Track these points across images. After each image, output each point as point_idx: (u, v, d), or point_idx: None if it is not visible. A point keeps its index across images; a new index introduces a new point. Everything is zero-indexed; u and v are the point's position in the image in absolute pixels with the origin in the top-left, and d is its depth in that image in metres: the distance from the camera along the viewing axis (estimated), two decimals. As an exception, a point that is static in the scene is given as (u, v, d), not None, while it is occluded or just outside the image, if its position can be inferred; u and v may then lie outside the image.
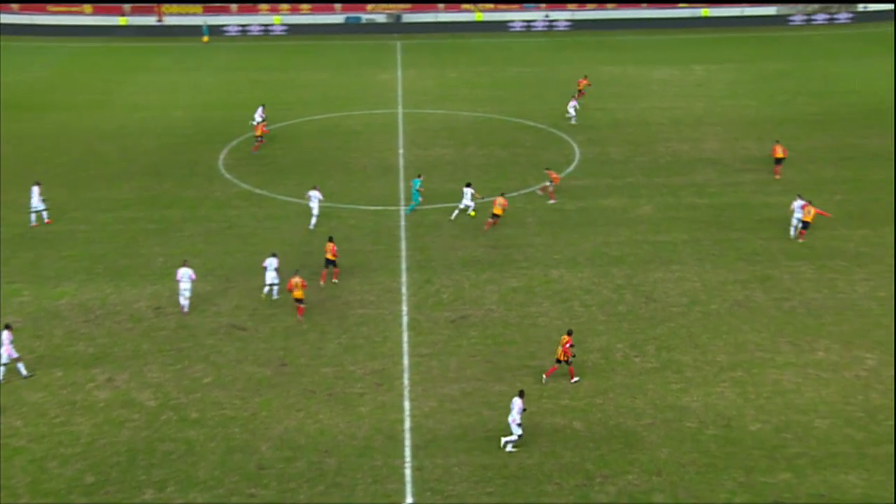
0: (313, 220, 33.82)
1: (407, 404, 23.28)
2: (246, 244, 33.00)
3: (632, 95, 54.44)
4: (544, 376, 24.04)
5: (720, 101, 52.27)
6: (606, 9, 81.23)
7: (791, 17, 79.62)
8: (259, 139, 43.46)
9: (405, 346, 25.98)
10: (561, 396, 23.56)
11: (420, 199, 35.44)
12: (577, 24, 79.98)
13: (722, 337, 26.07)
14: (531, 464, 21.09)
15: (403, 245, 32.77)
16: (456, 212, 34.83)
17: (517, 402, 21.28)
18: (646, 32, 78.06)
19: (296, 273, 27.87)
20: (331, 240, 29.71)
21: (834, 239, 32.27)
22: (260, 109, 46.67)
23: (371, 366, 24.97)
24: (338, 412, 22.97)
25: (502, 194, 34.68)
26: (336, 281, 29.50)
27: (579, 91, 49.90)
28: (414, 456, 21.36)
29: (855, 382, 23.50)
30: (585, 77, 51.78)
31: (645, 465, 20.90)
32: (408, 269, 30.99)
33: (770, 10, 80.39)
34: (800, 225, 32.17)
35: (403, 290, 29.43)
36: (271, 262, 28.40)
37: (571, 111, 47.60)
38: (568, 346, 23.56)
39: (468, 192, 34.74)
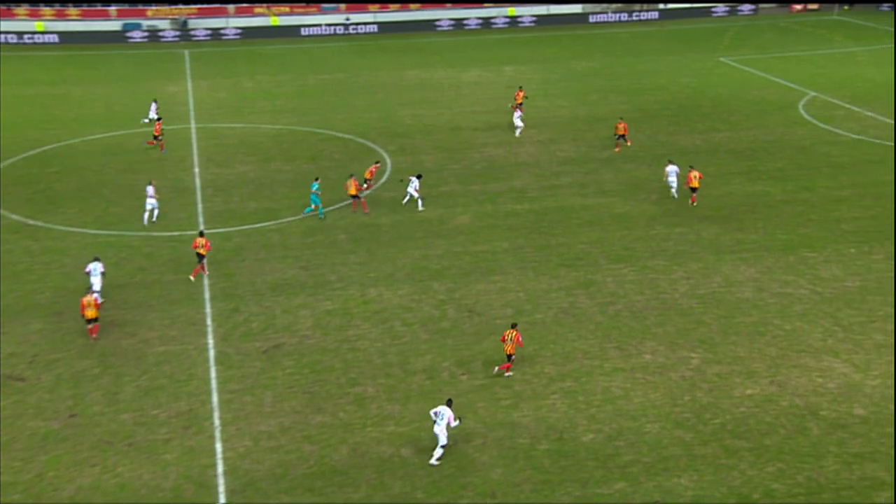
0: (146, 216, 35.74)
1: (219, 446, 22.48)
2: (19, 283, 30.79)
3: (442, 100, 55.81)
4: (506, 373, 25.21)
5: (533, 103, 54.62)
6: (410, 10, 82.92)
7: (593, 15, 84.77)
8: (157, 138, 44.85)
9: (213, 383, 25.12)
10: (386, 423, 23.58)
11: (320, 202, 36.51)
12: (380, 27, 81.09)
13: (549, 347, 27.11)
14: (358, 498, 20.93)
15: (206, 272, 31.70)
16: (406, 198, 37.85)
17: (446, 412, 21.81)
18: (452, 34, 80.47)
19: (88, 291, 28.00)
20: (201, 234, 31.54)
21: (652, 239, 34.50)
22: (154, 106, 49.21)
23: (176, 407, 23.94)
24: (140, 463, 21.82)
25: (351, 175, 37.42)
26: (205, 273, 31.43)
27: (518, 104, 49.94)
28: (230, 502, 20.68)
29: (681, 383, 25.17)
30: (521, 88, 52.00)
31: (479, 488, 21.29)
32: (212, 298, 30.01)
33: (575, 8, 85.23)
34: (675, 187, 37.84)
35: (208, 321, 28.48)
36: (95, 267, 29.24)
37: (518, 122, 47.26)
38: (520, 338, 25.06)
39: (414, 181, 37.48)
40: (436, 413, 22.19)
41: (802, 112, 51.67)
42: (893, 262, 31.98)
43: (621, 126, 45.15)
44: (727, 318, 28.47)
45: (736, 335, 27.54)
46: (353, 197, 37.03)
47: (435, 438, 22.23)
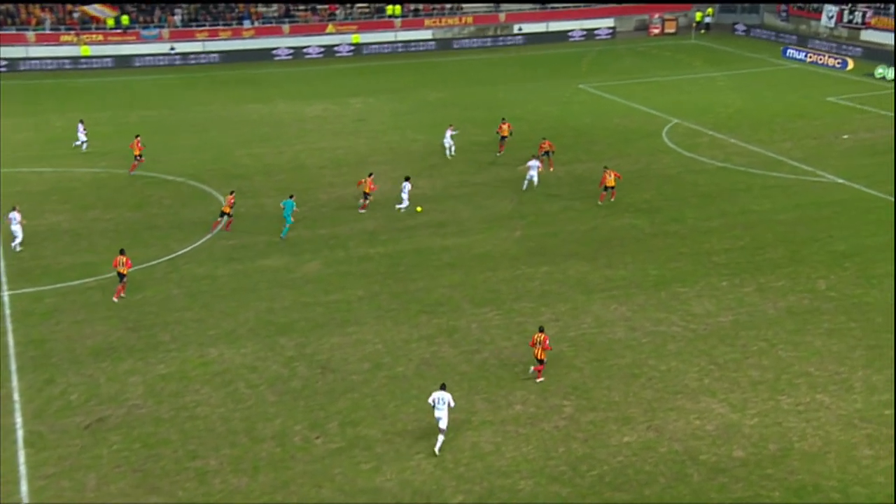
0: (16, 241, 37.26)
1: (31, 545, 21.23)
2: None
3: (284, 136, 55.60)
4: (536, 374, 27.98)
5: (384, 137, 55.19)
6: (243, 38, 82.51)
7: (447, 41, 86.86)
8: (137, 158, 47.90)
9: (22, 469, 23.78)
10: (233, 499, 22.92)
11: (291, 220, 39.18)
12: (211, 57, 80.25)
13: (411, 402, 27.15)
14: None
15: (11, 339, 30.16)
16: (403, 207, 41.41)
17: (445, 395, 24.63)
18: (292, 64, 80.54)
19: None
20: (122, 252, 33.45)
21: (517, 279, 35.29)
22: (80, 126, 51.59)
23: (-24, 503, 22.48)
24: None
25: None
26: (124, 296, 33.35)
27: (502, 137, 50.44)
28: None
29: (555, 434, 25.68)
30: (504, 120, 51.83)
31: (341, 567, 20.95)
32: (19, 368, 28.53)
33: (425, 34, 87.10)
34: (534, 181, 43.25)
35: (15, 396, 27.05)
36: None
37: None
38: (547, 342, 27.63)
39: (406, 186, 41.43)
40: (434, 400, 24.78)
41: (666, 140, 54.41)
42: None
43: (546, 144, 48.25)
44: (600, 361, 29.35)
45: (610, 379, 28.41)
46: (366, 196, 41.86)
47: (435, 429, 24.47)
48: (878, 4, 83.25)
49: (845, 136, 54.41)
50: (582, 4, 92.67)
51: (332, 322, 31.96)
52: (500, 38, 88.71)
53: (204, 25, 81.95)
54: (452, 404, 25.02)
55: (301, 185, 46.15)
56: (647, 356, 29.61)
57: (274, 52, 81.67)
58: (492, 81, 72.14)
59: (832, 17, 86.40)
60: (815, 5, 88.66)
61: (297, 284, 34.91)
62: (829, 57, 77.14)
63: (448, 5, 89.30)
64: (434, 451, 24.64)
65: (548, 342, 27.85)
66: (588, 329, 31.40)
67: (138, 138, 48.53)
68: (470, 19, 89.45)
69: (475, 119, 59.60)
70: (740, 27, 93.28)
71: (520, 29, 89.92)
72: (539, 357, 27.95)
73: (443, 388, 25.11)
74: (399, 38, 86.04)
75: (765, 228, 40.09)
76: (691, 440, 25.36)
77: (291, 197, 39.97)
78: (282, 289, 34.51)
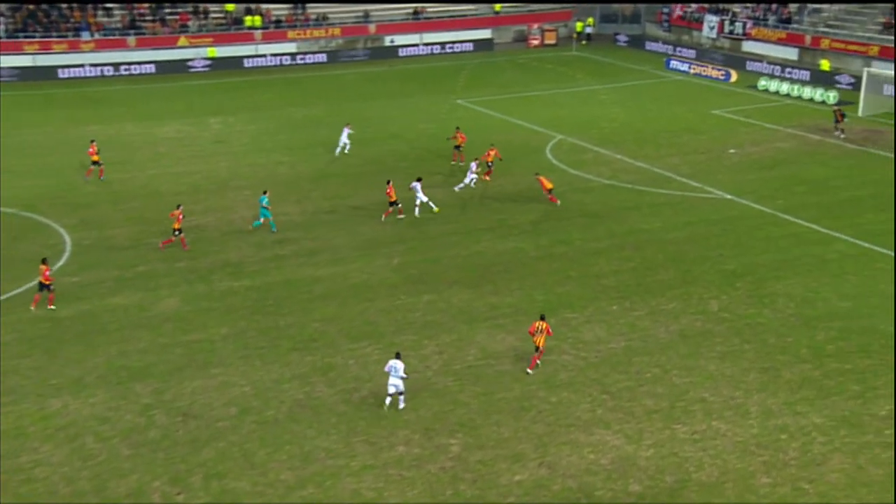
0: None
1: None
2: None
3: (135, 161, 54.33)
4: (529, 370, 30.52)
5: (246, 159, 54.55)
6: (81, 51, 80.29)
7: (301, 56, 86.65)
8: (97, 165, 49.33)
9: None
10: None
11: (270, 214, 42.75)
12: (43, 73, 77.83)
13: (284, 449, 26.73)
14: None
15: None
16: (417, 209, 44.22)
17: (398, 364, 28.12)
18: (140, 80, 78.86)
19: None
20: (44, 262, 34.44)
21: (397, 310, 35.27)
22: None
23: None
24: None
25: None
26: (52, 307, 34.59)
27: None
28: None
29: (441, 476, 25.66)
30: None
31: None
32: None
33: (289, 46, 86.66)
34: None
35: None
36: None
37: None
38: (549, 329, 30.39)
39: (416, 186, 44.23)
40: (390, 368, 28.23)
41: (550, 157, 55.49)
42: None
43: (492, 153, 50.81)
44: (487, 395, 29.53)
45: (498, 414, 28.61)
46: (392, 204, 44.38)
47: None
48: (757, 15, 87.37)
49: (732, 151, 56.62)
50: (458, 13, 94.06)
51: (193, 364, 31.23)
52: (371, 51, 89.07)
53: (34, 37, 79.33)
54: (405, 376, 28.56)
55: (155, 214, 45.07)
56: (537, 388, 29.95)
57: (119, 67, 79.72)
58: (364, 97, 72.27)
59: (713, 27, 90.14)
60: (697, 14, 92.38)
61: (153, 324, 34.01)
62: (713, 69, 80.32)
63: (313, 16, 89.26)
64: None
65: (550, 329, 30.62)
66: (474, 361, 31.58)
67: None
68: (337, 31, 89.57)
69: (350, 138, 59.52)
70: (622, 38, 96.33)
71: (392, 41, 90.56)
72: (539, 345, 30.36)
73: (397, 356, 28.49)
74: (260, 52, 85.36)
75: (655, 248, 41.26)
76: (586, 476, 25.73)
77: (265, 193, 43.09)
78: (135, 329, 33.56)
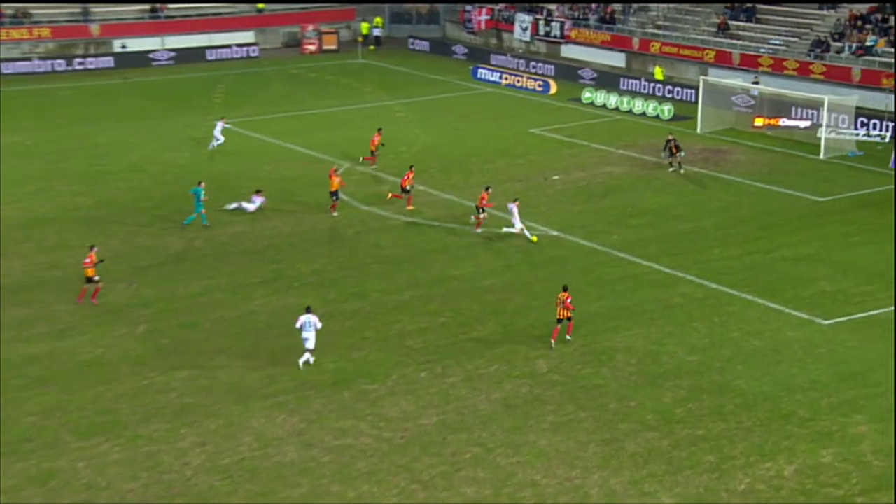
0: None
1: None
2: None
3: None
4: (552, 341, 36.89)
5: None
6: None
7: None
8: None
9: None
10: None
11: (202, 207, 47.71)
12: None
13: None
14: None
15: None
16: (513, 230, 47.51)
17: (311, 318, 35.12)
18: None
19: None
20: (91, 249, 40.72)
21: (145, 392, 34.25)
22: None
23: None
24: None
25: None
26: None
27: (372, 152, 59.26)
28: None
29: None
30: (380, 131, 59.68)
31: None
32: None
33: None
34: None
35: None
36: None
37: None
38: (569, 301, 36.34)
39: (512, 208, 47.99)
40: (302, 324, 34.84)
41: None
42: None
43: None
44: (266, 496, 28.90)
45: (283, 518, 28.07)
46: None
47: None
48: (576, 14, 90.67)
49: (555, 177, 58.18)
50: (210, 12, 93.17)
51: None
52: (95, 59, 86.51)
53: None
54: (319, 326, 34.86)
55: None
56: (330, 481, 29.56)
57: None
58: (90, 119, 70.54)
59: (526, 28, 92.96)
60: (507, 13, 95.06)
61: None
62: (528, 78, 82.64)
63: (9, 10, 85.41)
64: None
65: (569, 302, 36.52)
66: (248, 452, 30.92)
67: None
68: (46, 32, 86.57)
69: (69, 172, 58.01)
70: (418, 42, 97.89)
71: (124, 46, 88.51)
72: (565, 316, 36.83)
73: (308, 310, 34.21)
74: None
75: (469, 299, 41.72)
76: (396, 590, 25.46)
77: (200, 184, 48.08)
78: None
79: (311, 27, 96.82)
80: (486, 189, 49.62)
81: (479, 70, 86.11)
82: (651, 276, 44.13)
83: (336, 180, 51.41)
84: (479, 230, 49.00)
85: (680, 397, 34.16)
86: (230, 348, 37.39)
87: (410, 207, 52.05)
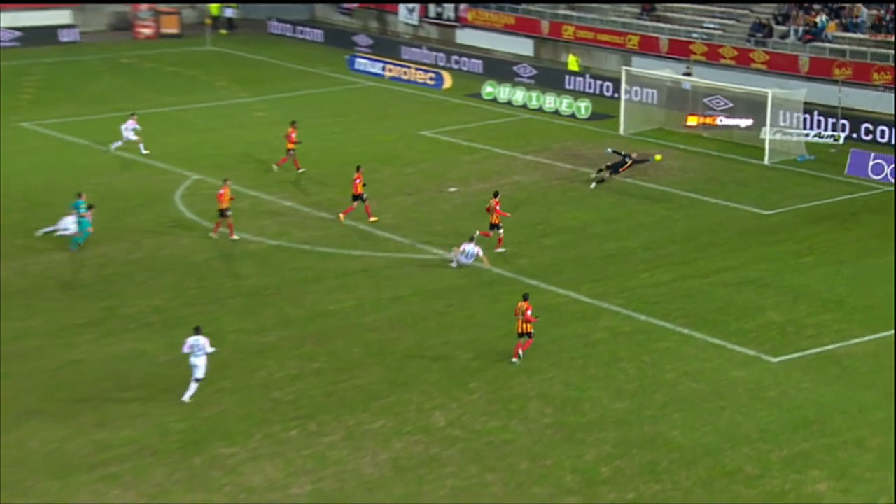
0: None
1: None
2: None
3: None
4: (514, 359, 38.99)
5: None
6: None
7: None
8: None
9: None
10: None
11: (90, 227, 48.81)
12: None
13: None
14: None
15: None
16: None
17: (202, 340, 36.15)
18: None
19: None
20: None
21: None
22: None
23: None
24: None
25: None
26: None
27: (287, 151, 60.35)
28: None
29: None
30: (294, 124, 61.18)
31: None
32: None
33: None
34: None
35: None
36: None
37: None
38: (529, 312, 38.36)
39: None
40: (191, 348, 36.04)
41: (182, 207, 55.28)
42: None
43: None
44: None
45: None
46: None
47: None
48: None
49: (453, 189, 58.41)
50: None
51: None
52: None
53: None
54: (210, 350, 36.36)
55: None
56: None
57: None
58: None
59: (413, 9, 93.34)
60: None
61: None
62: (418, 70, 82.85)
63: None
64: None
65: (530, 312, 38.32)
66: (73, 538, 30.53)
67: None
68: None
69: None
70: (280, 25, 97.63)
71: None
72: (525, 331, 38.71)
73: (197, 331, 35.71)
74: None
75: (349, 339, 41.56)
76: None
77: (80, 196, 48.83)
78: None
79: (144, 6, 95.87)
80: (495, 195, 50.28)
81: (357, 60, 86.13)
82: (569, 306, 44.48)
83: (226, 194, 50.99)
84: (501, 249, 49.83)
85: (605, 453, 34.32)
86: (46, 409, 36.60)
87: (373, 218, 52.75)
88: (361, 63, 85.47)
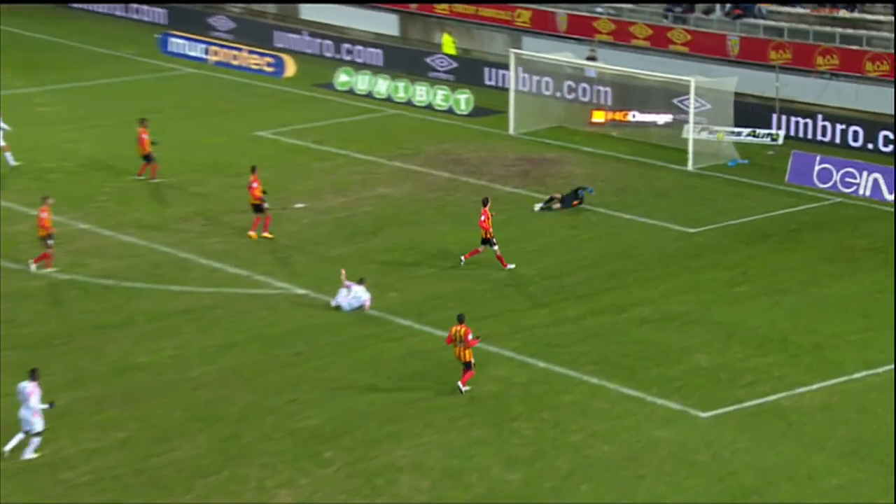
0: None
1: None
2: None
3: None
4: (460, 384, 40.84)
5: None
6: None
7: None
8: None
9: None
10: None
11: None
12: None
13: None
14: None
15: None
16: None
17: (31, 387, 36.32)
18: None
19: None
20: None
21: None
22: None
23: None
24: None
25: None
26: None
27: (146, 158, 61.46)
28: None
29: None
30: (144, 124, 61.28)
31: None
32: None
33: None
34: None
35: None
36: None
37: None
38: (470, 336, 40.12)
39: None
40: (20, 392, 36.57)
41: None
42: None
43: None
44: None
45: None
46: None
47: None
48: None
49: (299, 205, 58.00)
50: None
51: None
52: None
53: None
54: (45, 406, 36.75)
55: None
56: None
57: None
58: None
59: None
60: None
61: None
62: (251, 53, 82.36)
63: None
64: None
65: (470, 336, 39.92)
66: None
67: None
68: None
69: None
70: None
71: None
72: (464, 359, 40.43)
73: (33, 376, 36.66)
74: None
75: (165, 400, 40.97)
76: None
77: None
78: None
79: None
80: (485, 204, 50.93)
81: (171, 40, 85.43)
82: (449, 352, 44.04)
83: (48, 217, 50.83)
84: (510, 266, 51.07)
85: (499, 539, 34.20)
86: None
87: (268, 235, 53.55)
88: (177, 44, 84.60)
